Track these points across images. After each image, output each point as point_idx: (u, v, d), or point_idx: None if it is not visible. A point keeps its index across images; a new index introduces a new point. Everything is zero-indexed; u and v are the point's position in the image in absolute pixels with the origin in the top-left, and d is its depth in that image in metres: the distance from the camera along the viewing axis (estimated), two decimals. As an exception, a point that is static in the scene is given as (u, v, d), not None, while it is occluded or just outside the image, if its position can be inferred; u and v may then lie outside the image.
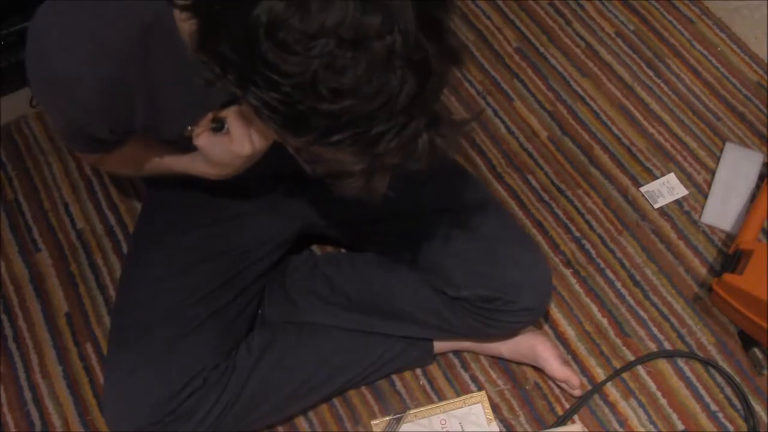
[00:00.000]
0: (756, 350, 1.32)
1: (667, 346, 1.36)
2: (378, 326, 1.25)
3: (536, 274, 1.18)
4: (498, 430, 1.28)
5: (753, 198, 1.48)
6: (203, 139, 0.93)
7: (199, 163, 1.01)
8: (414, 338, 1.29)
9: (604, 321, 1.39)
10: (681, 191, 1.52)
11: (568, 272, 1.44)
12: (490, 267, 1.14)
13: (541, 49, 1.72)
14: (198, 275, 1.15)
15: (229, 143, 0.91)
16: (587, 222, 1.50)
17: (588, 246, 1.47)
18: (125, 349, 1.13)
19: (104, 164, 1.12)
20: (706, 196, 1.51)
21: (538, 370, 1.33)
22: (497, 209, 1.26)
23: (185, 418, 1.11)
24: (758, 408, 1.29)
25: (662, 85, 1.66)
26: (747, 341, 1.34)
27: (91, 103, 0.87)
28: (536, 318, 1.27)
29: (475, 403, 1.30)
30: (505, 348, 1.31)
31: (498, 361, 1.35)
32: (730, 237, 1.46)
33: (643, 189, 1.53)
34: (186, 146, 0.98)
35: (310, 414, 1.31)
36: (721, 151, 1.56)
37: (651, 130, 1.60)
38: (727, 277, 1.30)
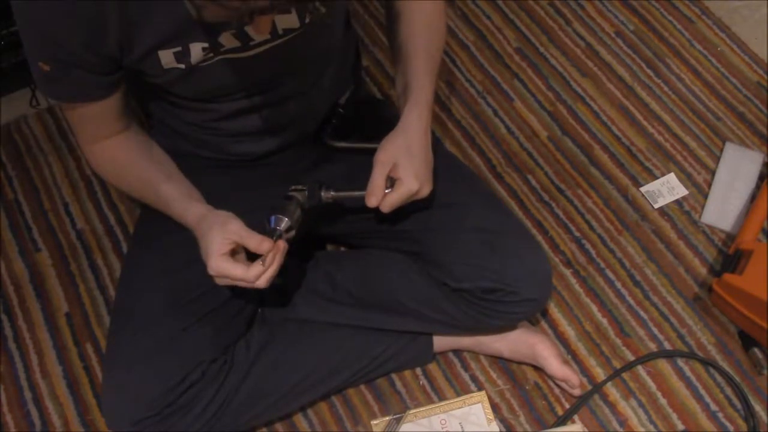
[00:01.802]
0: (756, 350, 1.32)
1: (667, 346, 1.36)
2: (379, 322, 1.25)
3: (536, 266, 1.18)
4: (498, 430, 1.28)
5: (753, 198, 1.48)
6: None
7: (193, 225, 1.06)
8: (414, 334, 1.29)
9: (604, 321, 1.39)
10: (681, 191, 1.52)
11: (568, 272, 1.44)
12: (491, 260, 1.14)
13: (541, 49, 1.72)
14: (197, 273, 1.15)
15: (246, 271, 0.99)
16: (587, 222, 1.50)
17: (588, 246, 1.47)
18: (124, 344, 1.13)
19: (97, 158, 1.12)
20: (706, 196, 1.51)
21: (538, 369, 1.33)
22: (497, 203, 1.26)
23: (183, 411, 1.11)
24: (758, 408, 1.29)
25: (662, 85, 1.66)
26: (747, 341, 1.34)
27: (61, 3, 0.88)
28: (538, 309, 1.27)
29: (475, 403, 1.30)
30: (505, 347, 1.31)
31: (498, 361, 1.35)
32: (730, 237, 1.46)
33: (643, 189, 1.53)
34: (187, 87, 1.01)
35: (310, 413, 1.31)
36: (721, 151, 1.56)
37: (651, 130, 1.60)
38: (727, 277, 1.30)
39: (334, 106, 1.21)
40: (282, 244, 1.02)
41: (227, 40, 0.97)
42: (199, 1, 0.77)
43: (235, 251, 1.02)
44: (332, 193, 1.10)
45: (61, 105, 1.06)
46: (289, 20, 0.99)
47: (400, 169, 1.03)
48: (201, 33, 0.94)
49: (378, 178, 1.03)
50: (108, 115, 1.06)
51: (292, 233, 1.05)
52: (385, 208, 1.04)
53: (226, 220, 1.02)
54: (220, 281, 1.02)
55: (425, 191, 1.06)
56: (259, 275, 1.00)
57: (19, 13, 0.92)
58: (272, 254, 1.00)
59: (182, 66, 0.98)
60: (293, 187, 1.09)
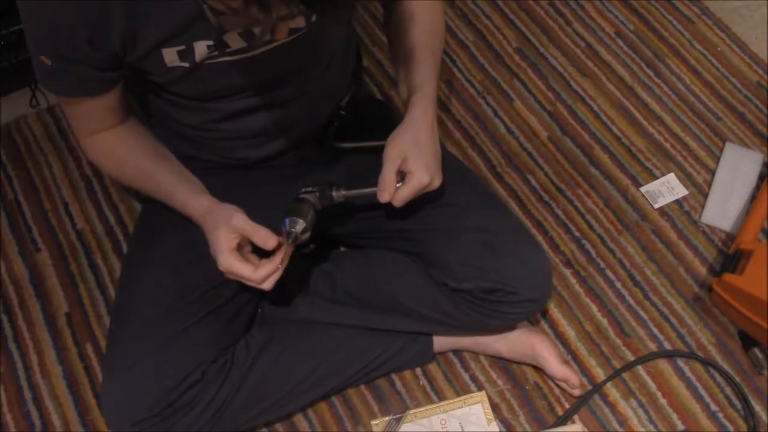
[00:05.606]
0: (756, 350, 1.32)
1: (667, 346, 1.36)
2: (379, 322, 1.25)
3: (536, 266, 1.18)
4: (498, 430, 1.28)
5: (753, 198, 1.48)
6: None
7: (198, 219, 1.06)
8: (414, 334, 1.29)
9: (604, 321, 1.39)
10: (681, 191, 1.52)
11: (568, 272, 1.44)
12: (491, 260, 1.14)
13: (541, 49, 1.72)
14: (197, 273, 1.16)
15: (254, 271, 1.00)
16: (587, 222, 1.50)
17: (588, 246, 1.47)
18: (124, 344, 1.13)
19: (96, 150, 1.12)
20: (706, 196, 1.51)
21: (538, 370, 1.33)
22: (497, 203, 1.26)
23: (184, 411, 1.11)
24: (758, 408, 1.29)
25: (662, 85, 1.66)
26: (747, 341, 1.34)
27: None
28: (537, 309, 1.27)
29: (475, 403, 1.30)
30: (504, 347, 1.31)
31: (498, 361, 1.35)
32: (730, 237, 1.46)
33: (643, 189, 1.53)
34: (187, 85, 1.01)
35: (310, 413, 1.31)
36: (721, 151, 1.56)
37: (651, 130, 1.60)
38: (727, 277, 1.30)
39: (335, 109, 1.21)
40: (291, 248, 1.02)
41: (233, 40, 0.97)
42: (220, 12, 0.76)
43: (240, 245, 1.02)
44: (343, 192, 1.10)
45: (59, 98, 1.07)
46: (295, 20, 0.99)
47: (410, 163, 1.04)
48: (205, 31, 0.94)
49: (389, 173, 1.03)
50: (106, 109, 1.06)
51: (307, 235, 1.05)
52: (398, 202, 1.04)
53: (231, 214, 1.02)
54: (229, 275, 1.03)
55: (436, 183, 1.06)
56: (266, 277, 1.00)
57: (24, 7, 0.91)
58: (281, 257, 1.00)
59: (186, 64, 0.98)
60: (304, 189, 1.09)
